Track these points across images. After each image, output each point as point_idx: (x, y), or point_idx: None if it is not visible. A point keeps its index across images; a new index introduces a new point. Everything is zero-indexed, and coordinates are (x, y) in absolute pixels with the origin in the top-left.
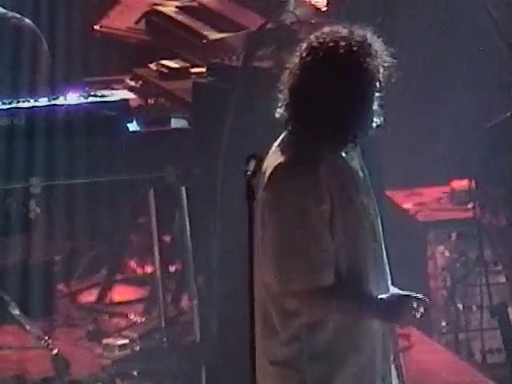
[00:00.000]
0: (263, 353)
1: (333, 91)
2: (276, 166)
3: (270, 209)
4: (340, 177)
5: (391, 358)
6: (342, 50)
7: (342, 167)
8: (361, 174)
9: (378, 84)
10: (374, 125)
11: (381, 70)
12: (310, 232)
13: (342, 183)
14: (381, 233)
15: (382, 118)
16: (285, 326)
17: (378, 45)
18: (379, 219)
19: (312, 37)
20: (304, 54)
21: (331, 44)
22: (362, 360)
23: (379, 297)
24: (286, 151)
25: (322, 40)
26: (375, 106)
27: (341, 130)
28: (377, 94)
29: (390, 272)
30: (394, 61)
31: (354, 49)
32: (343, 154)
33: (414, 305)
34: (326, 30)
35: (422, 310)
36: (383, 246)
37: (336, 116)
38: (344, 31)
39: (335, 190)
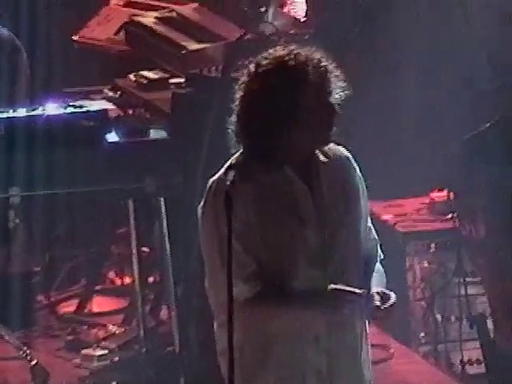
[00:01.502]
0: None
1: (260, 114)
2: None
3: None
4: (256, 197)
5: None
6: (275, 76)
7: (262, 189)
8: (301, 194)
9: (326, 108)
10: (317, 145)
11: (335, 93)
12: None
13: (258, 203)
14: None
15: (328, 136)
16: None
17: (333, 70)
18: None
19: (265, 58)
20: (256, 74)
21: (263, 69)
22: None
23: (312, 291)
24: (224, 167)
25: (261, 65)
26: (320, 130)
27: (267, 151)
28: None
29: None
30: (343, 84)
31: (309, 77)
32: (274, 175)
33: (349, 299)
34: (282, 52)
35: (359, 305)
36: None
37: (262, 138)
38: (301, 55)
39: (250, 208)
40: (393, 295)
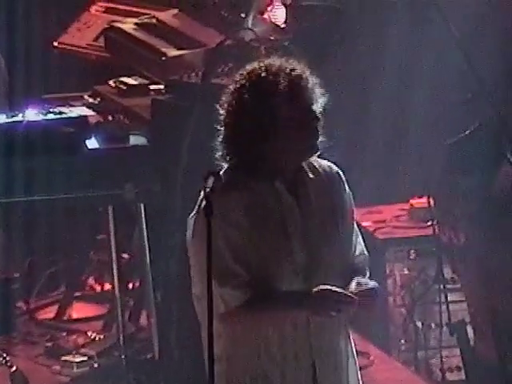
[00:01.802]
0: None
1: (250, 127)
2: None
3: None
4: (247, 207)
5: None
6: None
7: (252, 199)
8: (288, 205)
9: (304, 117)
10: (303, 155)
11: (315, 101)
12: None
13: (248, 212)
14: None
15: (312, 145)
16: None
17: (309, 78)
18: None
19: (240, 74)
20: (233, 92)
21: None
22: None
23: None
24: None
25: (236, 81)
26: (302, 139)
27: (252, 164)
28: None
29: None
30: (322, 92)
31: (280, 86)
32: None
33: (334, 299)
34: (255, 65)
35: (342, 305)
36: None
37: (245, 152)
38: (274, 66)
39: (242, 217)
40: (371, 282)
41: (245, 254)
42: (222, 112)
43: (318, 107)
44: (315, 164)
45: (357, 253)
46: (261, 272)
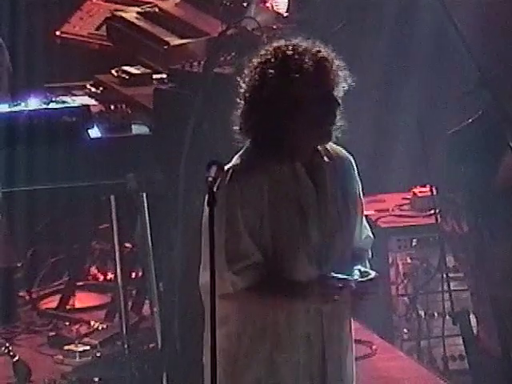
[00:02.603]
0: None
1: (272, 103)
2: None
3: None
4: (267, 188)
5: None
6: (291, 66)
7: (272, 180)
8: (307, 190)
9: (327, 100)
10: (320, 140)
11: (337, 85)
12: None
13: (268, 194)
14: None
15: (329, 130)
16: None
17: (334, 61)
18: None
19: (266, 49)
20: (256, 66)
21: (281, 58)
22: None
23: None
24: (235, 159)
25: (260, 55)
26: (322, 122)
27: (273, 142)
28: (323, 110)
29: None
30: (350, 76)
31: (305, 65)
32: (286, 167)
33: (333, 285)
34: (282, 42)
35: (342, 291)
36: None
37: (266, 130)
38: (300, 46)
39: (262, 198)
40: (372, 272)
41: (261, 235)
42: (243, 85)
43: (339, 92)
44: (329, 148)
45: (363, 237)
46: (276, 255)
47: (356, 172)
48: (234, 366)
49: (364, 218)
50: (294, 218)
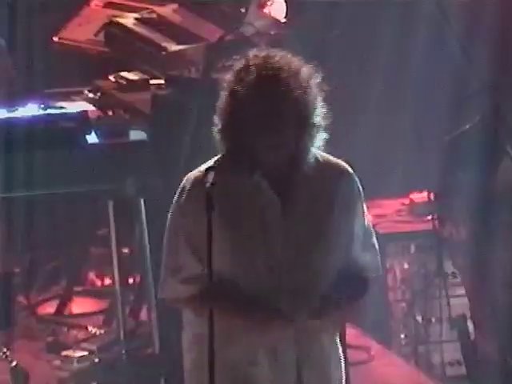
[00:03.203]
0: None
1: (225, 114)
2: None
3: None
4: (220, 200)
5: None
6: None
7: (228, 192)
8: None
9: (263, 115)
10: (266, 152)
11: (287, 100)
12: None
13: (221, 205)
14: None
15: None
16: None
17: (299, 74)
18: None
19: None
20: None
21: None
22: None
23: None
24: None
25: (237, 64)
26: (262, 136)
27: (235, 153)
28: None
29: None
30: (325, 88)
31: (248, 79)
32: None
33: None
34: (257, 53)
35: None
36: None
37: (228, 141)
38: (261, 58)
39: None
40: (334, 298)
41: (204, 247)
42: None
43: (291, 107)
44: (322, 161)
45: (363, 260)
46: (234, 267)
47: (354, 186)
48: (201, 369)
49: (371, 232)
50: (253, 229)
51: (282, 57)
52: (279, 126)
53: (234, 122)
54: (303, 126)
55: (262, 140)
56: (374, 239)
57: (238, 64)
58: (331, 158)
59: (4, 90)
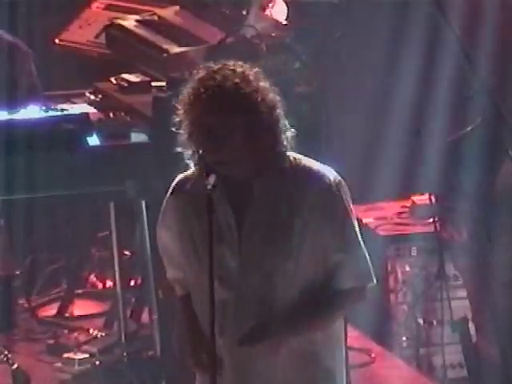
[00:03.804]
0: None
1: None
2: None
3: None
4: (184, 209)
5: None
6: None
7: (190, 202)
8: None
9: (197, 126)
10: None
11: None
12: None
13: (184, 215)
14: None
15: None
16: None
17: (214, 91)
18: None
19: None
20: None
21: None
22: None
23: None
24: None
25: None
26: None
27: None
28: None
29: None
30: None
31: (188, 89)
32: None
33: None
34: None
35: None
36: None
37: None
38: (206, 70)
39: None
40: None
41: (175, 254)
42: None
43: (221, 120)
44: (306, 171)
45: (339, 263)
46: (192, 275)
47: (338, 197)
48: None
49: (355, 251)
50: (207, 240)
51: (231, 71)
52: (222, 144)
53: (188, 135)
54: (253, 139)
55: (209, 156)
56: (361, 249)
57: (193, 77)
58: (308, 164)
59: (26, 94)
